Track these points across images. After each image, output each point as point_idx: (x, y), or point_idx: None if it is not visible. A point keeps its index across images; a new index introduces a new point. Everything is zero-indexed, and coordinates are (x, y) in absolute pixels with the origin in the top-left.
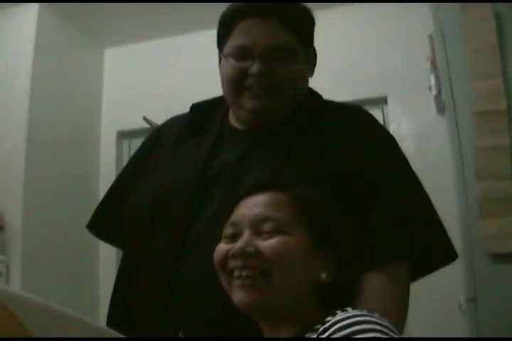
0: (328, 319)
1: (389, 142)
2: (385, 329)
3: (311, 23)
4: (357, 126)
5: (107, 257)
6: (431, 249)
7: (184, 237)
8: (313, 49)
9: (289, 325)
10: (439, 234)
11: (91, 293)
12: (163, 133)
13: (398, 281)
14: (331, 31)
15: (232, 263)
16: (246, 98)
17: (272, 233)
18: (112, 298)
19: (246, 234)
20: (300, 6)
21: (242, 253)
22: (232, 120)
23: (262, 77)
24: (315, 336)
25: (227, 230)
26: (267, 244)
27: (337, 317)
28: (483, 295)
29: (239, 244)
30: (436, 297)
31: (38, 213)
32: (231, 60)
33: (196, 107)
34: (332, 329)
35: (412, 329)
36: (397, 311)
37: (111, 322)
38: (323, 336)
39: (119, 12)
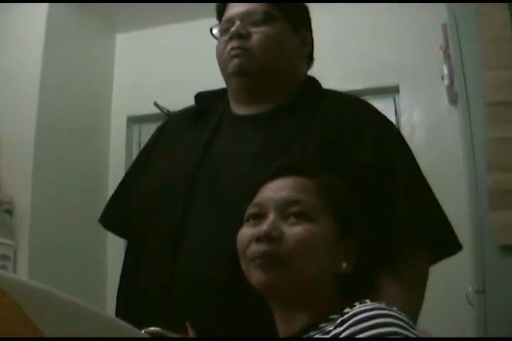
0: (346, 310)
1: (395, 133)
2: (403, 324)
3: (297, 3)
4: (360, 116)
5: (115, 242)
6: (442, 239)
7: (182, 223)
8: (310, 33)
9: (303, 312)
10: (447, 225)
11: (98, 278)
12: (169, 124)
13: (416, 272)
14: (344, 21)
15: (255, 248)
16: (228, 62)
17: (298, 218)
18: (118, 289)
19: (271, 216)
20: None
21: (267, 237)
22: (233, 106)
23: (238, 37)
24: (332, 327)
25: (251, 210)
26: (293, 231)
27: (356, 309)
28: (492, 287)
29: (264, 226)
30: (444, 288)
31: (47, 198)
32: (220, 38)
33: (200, 96)
34: (351, 321)
35: (419, 321)
36: (412, 302)
37: (119, 313)
38: (341, 328)
39: None
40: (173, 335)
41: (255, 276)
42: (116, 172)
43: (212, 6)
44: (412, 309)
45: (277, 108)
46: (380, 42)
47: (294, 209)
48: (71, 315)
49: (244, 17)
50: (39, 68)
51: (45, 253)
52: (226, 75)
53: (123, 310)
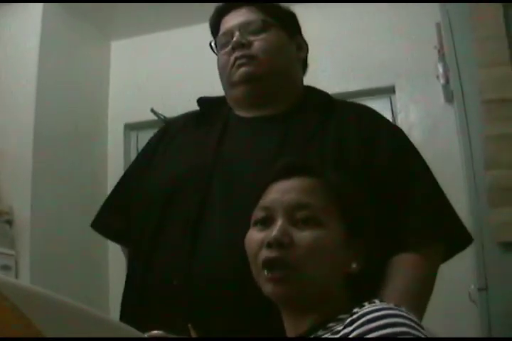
0: (355, 310)
1: (407, 140)
2: (413, 324)
3: (287, 10)
4: (374, 124)
5: (116, 250)
6: (456, 232)
7: (198, 221)
8: (303, 39)
9: (312, 313)
10: (457, 219)
11: (100, 287)
12: (170, 127)
13: (428, 261)
14: (339, 21)
15: (266, 254)
16: (234, 72)
17: (307, 222)
18: (125, 290)
19: (280, 221)
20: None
21: (278, 243)
22: (238, 111)
23: (241, 46)
24: (341, 327)
25: (259, 213)
26: (303, 236)
27: (365, 309)
28: (494, 284)
29: (275, 232)
30: (446, 286)
31: (47, 207)
32: (221, 51)
33: (203, 101)
34: (360, 321)
35: (422, 319)
36: (420, 294)
37: (126, 314)
38: (351, 328)
39: (126, 4)
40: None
41: (267, 288)
42: (115, 180)
43: (207, 12)
44: (422, 298)
45: (288, 110)
46: (374, 43)
47: (303, 213)
48: (73, 319)
49: (242, 27)
50: (34, 77)
51: (47, 262)
52: (231, 84)
53: (132, 311)
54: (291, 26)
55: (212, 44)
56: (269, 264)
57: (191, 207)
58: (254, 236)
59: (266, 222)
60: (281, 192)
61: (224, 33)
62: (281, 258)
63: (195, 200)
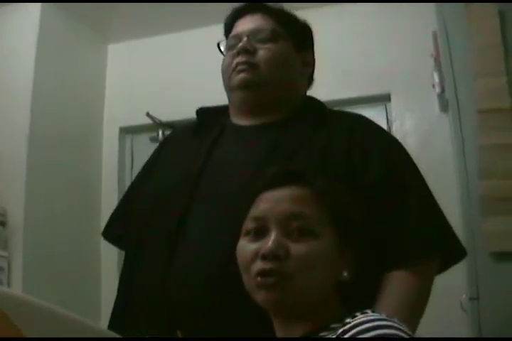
0: (347, 320)
1: (402, 150)
2: (405, 335)
3: (303, 24)
4: (368, 134)
5: (109, 253)
6: (450, 247)
7: (181, 225)
8: (312, 55)
9: (304, 321)
10: (452, 233)
11: (92, 288)
12: (171, 138)
13: (423, 279)
14: (335, 28)
15: (260, 265)
16: (233, 76)
17: (301, 233)
18: (116, 297)
19: (274, 232)
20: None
21: (273, 256)
22: (234, 119)
23: (245, 52)
24: (333, 336)
25: (250, 224)
26: (298, 248)
27: (358, 320)
28: (486, 294)
29: (270, 244)
30: (438, 295)
31: (40, 209)
32: (227, 52)
33: (201, 110)
34: (353, 332)
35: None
36: (414, 309)
37: (113, 322)
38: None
39: (123, 7)
40: None
41: (260, 296)
42: (109, 183)
43: (205, 16)
44: (416, 313)
45: (280, 120)
46: (371, 50)
47: (297, 224)
48: (63, 328)
49: (251, 34)
50: (31, 79)
51: (39, 264)
52: (230, 88)
53: (119, 314)
54: (301, 40)
55: (222, 44)
56: (263, 275)
57: (172, 216)
58: (247, 246)
59: (258, 233)
60: (273, 201)
61: (234, 36)
62: (277, 270)
63: (177, 209)
